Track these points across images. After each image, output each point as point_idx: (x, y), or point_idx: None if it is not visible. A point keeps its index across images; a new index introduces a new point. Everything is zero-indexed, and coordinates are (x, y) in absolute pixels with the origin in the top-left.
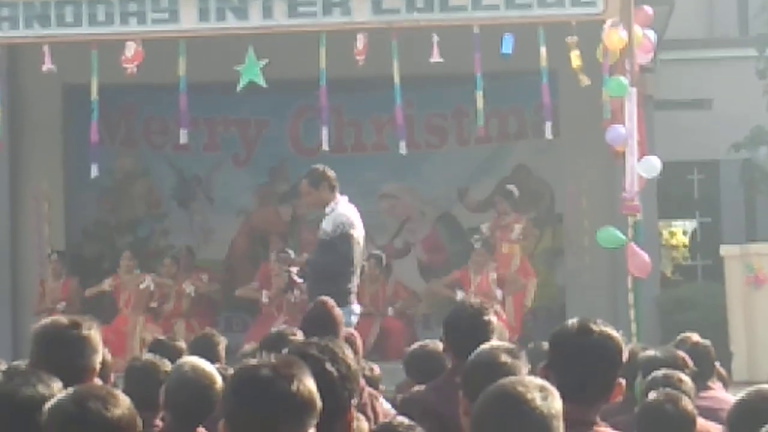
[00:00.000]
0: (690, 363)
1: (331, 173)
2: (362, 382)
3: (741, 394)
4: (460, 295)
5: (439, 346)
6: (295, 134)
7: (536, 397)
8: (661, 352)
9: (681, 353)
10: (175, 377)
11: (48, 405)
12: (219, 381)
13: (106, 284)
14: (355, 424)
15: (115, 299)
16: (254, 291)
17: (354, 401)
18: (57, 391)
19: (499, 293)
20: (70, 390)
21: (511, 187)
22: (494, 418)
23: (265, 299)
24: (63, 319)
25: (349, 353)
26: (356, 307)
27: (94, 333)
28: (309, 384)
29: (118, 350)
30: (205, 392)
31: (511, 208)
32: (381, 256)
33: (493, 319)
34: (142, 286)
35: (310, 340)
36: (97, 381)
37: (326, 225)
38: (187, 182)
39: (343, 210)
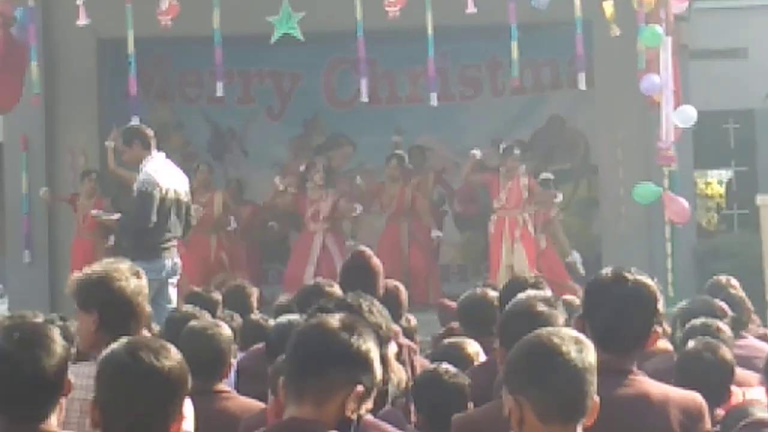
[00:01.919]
0: (728, 311)
1: (146, 131)
2: (401, 336)
3: None
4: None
5: (488, 293)
6: (330, 86)
7: (571, 350)
8: (698, 302)
9: (718, 302)
10: (187, 338)
11: (103, 353)
12: (226, 334)
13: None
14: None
15: None
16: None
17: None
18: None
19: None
20: (124, 340)
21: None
22: (529, 369)
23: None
24: (125, 267)
25: (375, 309)
26: (170, 262)
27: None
28: (370, 342)
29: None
30: (216, 347)
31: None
32: (403, 156)
33: (545, 309)
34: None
35: (340, 299)
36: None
37: (136, 182)
38: (221, 135)
39: (150, 168)
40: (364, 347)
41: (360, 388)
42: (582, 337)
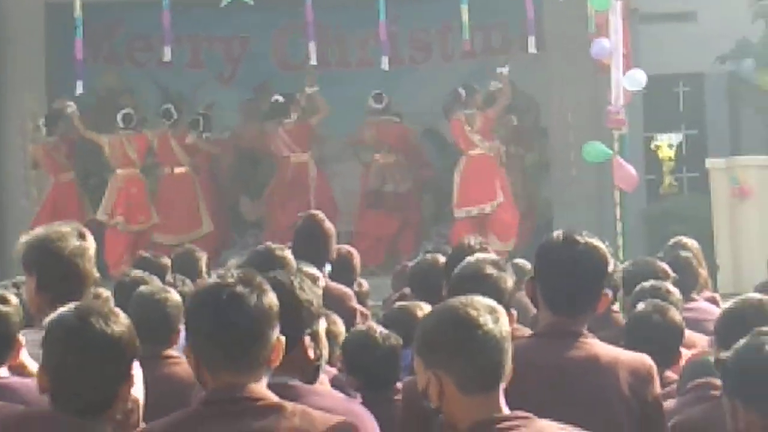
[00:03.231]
0: (671, 273)
1: None
2: (354, 302)
3: (728, 303)
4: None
5: (438, 258)
6: (280, 51)
7: (488, 321)
8: (640, 263)
9: (661, 264)
10: (135, 303)
11: (50, 318)
12: (174, 299)
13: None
14: (310, 351)
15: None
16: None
17: (307, 331)
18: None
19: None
20: (73, 305)
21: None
22: (447, 342)
23: None
24: (67, 228)
25: (304, 285)
26: None
27: (93, 241)
28: (272, 296)
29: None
30: (165, 313)
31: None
32: (380, 94)
33: (494, 271)
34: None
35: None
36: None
37: None
38: (171, 100)
39: None
40: (274, 302)
41: (282, 339)
42: (495, 304)
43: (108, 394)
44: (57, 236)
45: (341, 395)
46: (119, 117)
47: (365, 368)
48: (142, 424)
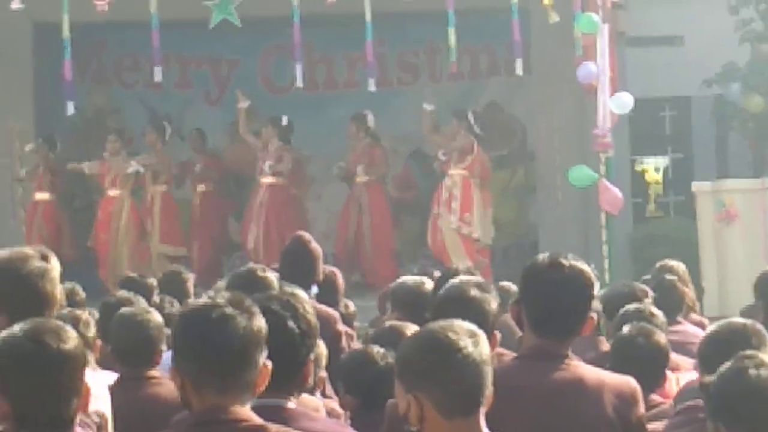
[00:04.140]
0: (650, 294)
1: None
2: (340, 324)
3: (711, 326)
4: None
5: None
6: (267, 73)
7: (468, 344)
8: (619, 286)
9: (640, 286)
10: (117, 324)
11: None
12: (156, 320)
13: (87, 167)
14: (321, 373)
15: (100, 182)
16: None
17: (312, 356)
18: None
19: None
20: (20, 325)
21: (468, 113)
22: (427, 367)
23: None
24: (29, 250)
25: (309, 308)
26: None
27: (57, 264)
28: (261, 319)
29: (104, 228)
30: (146, 334)
31: (464, 129)
32: (363, 115)
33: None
34: (129, 171)
35: (271, 294)
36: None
37: None
38: (158, 120)
39: None
40: (263, 325)
41: (269, 364)
42: (475, 328)
43: (71, 408)
44: (17, 257)
45: (334, 421)
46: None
47: (363, 387)
48: None
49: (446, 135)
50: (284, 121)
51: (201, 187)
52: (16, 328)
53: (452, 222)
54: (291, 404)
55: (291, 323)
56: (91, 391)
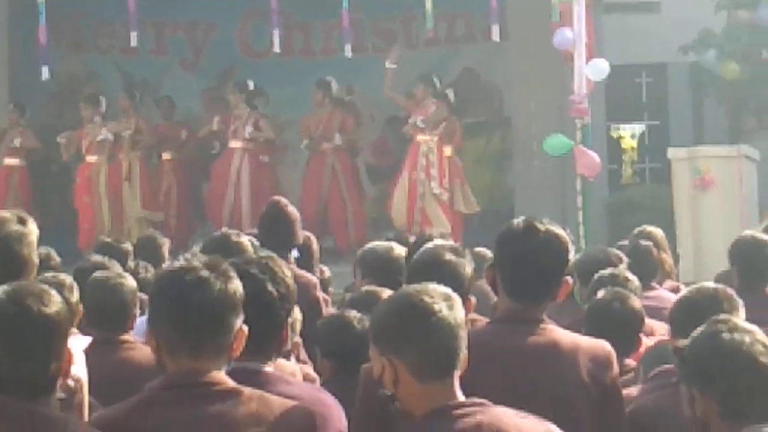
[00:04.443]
0: (625, 259)
1: None
2: (317, 289)
3: (683, 292)
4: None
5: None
6: (244, 37)
7: (443, 308)
8: (593, 252)
9: (615, 251)
10: (91, 288)
11: None
12: (129, 285)
13: (62, 137)
14: (296, 338)
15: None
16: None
17: (290, 319)
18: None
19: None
20: (2, 288)
21: (435, 78)
22: (401, 330)
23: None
24: (6, 213)
25: (287, 271)
26: None
27: (35, 228)
28: (237, 283)
29: (84, 191)
30: (119, 298)
31: (429, 95)
32: (328, 82)
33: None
34: (98, 138)
35: (249, 257)
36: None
37: None
38: (135, 86)
39: None
40: (239, 289)
41: (245, 329)
42: (450, 291)
43: (52, 373)
44: None
45: (310, 385)
46: (102, 102)
47: (340, 351)
48: (99, 408)
49: (414, 99)
50: (250, 85)
51: (167, 155)
52: (0, 289)
53: (434, 188)
54: (268, 368)
55: (270, 286)
56: (73, 357)
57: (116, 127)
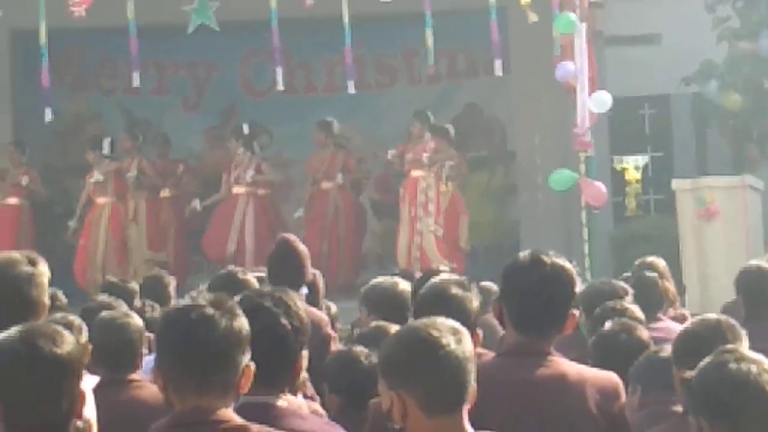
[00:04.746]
0: (630, 291)
1: None
2: (329, 327)
3: (686, 323)
4: (390, 154)
5: (398, 283)
6: (246, 76)
7: (451, 342)
8: (597, 284)
9: (620, 283)
10: (98, 328)
11: None
12: (135, 324)
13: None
14: (302, 374)
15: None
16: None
17: (304, 352)
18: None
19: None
20: (15, 329)
21: (428, 114)
22: (410, 364)
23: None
24: (17, 254)
25: (300, 305)
26: None
27: (46, 269)
28: (243, 320)
29: (85, 235)
30: (126, 337)
31: (425, 130)
32: (330, 122)
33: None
34: (91, 180)
35: (263, 291)
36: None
37: None
38: (137, 125)
39: None
40: (245, 326)
41: (252, 366)
42: (458, 325)
43: (64, 413)
44: (4, 261)
45: (323, 420)
46: (106, 144)
47: (348, 386)
48: None
49: (412, 137)
50: (245, 129)
51: (164, 192)
52: (13, 330)
53: (429, 224)
54: (281, 402)
55: (284, 319)
56: (86, 397)
57: (116, 165)
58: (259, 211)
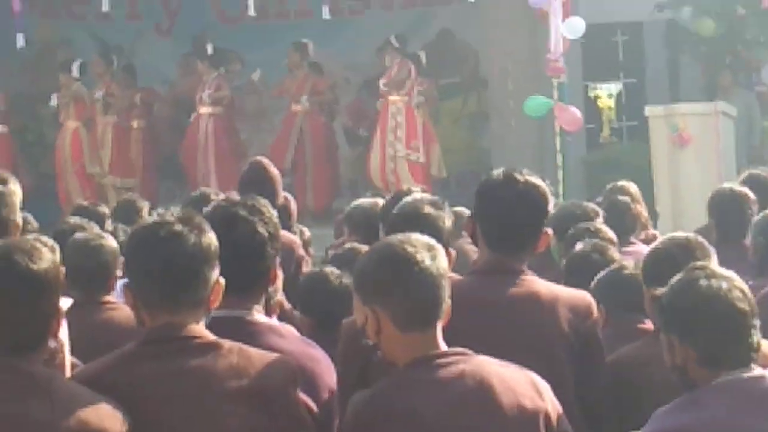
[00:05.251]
0: (600, 212)
1: None
2: (300, 249)
3: (655, 242)
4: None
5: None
6: (218, 1)
7: (426, 258)
8: (568, 206)
9: (591, 205)
10: (71, 249)
11: None
12: (110, 245)
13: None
14: (278, 281)
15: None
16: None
17: (278, 259)
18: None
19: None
20: None
21: (393, 39)
22: (385, 280)
23: None
24: None
25: (273, 212)
26: None
27: (17, 188)
28: (212, 236)
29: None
30: (100, 259)
31: (399, 57)
32: (305, 44)
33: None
34: (51, 104)
35: (234, 200)
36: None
37: None
38: (110, 52)
39: None
40: (214, 242)
41: (222, 281)
42: (433, 241)
43: (39, 330)
44: None
45: (301, 337)
46: (75, 67)
47: (319, 307)
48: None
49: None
50: (209, 50)
51: (135, 123)
52: None
53: (399, 150)
54: (256, 315)
55: (260, 228)
56: (64, 315)
57: (77, 88)
58: (220, 134)
